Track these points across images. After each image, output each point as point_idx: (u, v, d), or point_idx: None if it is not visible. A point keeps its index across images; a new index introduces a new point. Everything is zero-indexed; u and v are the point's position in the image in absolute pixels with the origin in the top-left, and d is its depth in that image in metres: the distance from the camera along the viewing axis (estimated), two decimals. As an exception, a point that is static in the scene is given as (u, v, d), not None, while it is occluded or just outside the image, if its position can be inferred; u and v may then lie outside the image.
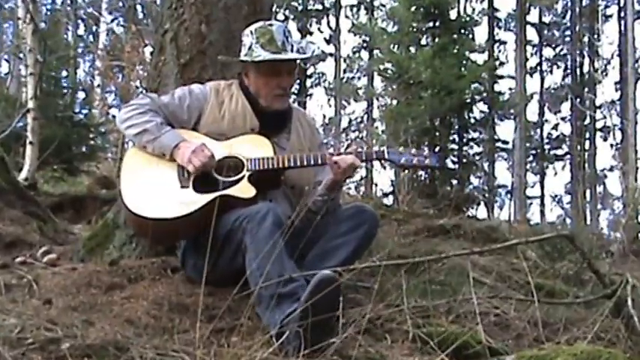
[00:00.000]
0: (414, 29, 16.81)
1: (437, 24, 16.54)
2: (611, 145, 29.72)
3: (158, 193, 3.45)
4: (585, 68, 30.75)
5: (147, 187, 3.48)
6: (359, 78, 32.21)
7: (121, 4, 26.65)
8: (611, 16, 30.02)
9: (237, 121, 3.69)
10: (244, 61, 3.72)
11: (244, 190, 3.44)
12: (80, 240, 4.64)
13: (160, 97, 3.75)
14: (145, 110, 3.63)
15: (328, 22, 30.70)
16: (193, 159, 3.46)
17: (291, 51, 3.70)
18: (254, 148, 3.59)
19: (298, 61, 3.86)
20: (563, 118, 31.75)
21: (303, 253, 3.35)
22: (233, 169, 3.52)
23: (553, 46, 32.59)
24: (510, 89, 26.15)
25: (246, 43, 3.72)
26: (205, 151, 3.49)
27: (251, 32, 3.71)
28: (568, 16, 31.98)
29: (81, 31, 29.31)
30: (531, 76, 31.58)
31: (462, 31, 16.91)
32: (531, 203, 29.50)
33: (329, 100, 31.28)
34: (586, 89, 29.29)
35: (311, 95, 31.05)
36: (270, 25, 3.71)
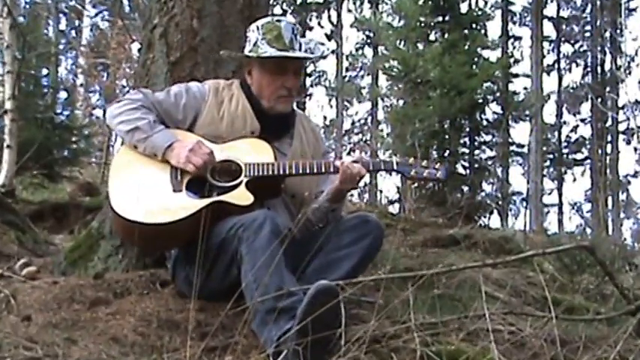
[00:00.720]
0: (422, 24, 16.84)
1: (446, 18, 16.58)
2: (635, 149, 29.72)
3: (148, 196, 3.44)
4: (607, 66, 30.84)
5: (136, 189, 3.47)
6: (362, 77, 32.30)
7: (106, -4, 26.70)
8: (635, 9, 30.05)
9: (236, 123, 3.70)
10: (249, 57, 3.73)
11: (241, 197, 3.44)
12: (62, 251, 4.65)
13: (155, 94, 3.75)
14: (138, 106, 3.63)
15: (329, 17, 30.76)
16: (192, 157, 3.46)
17: (300, 50, 3.72)
18: (253, 153, 3.60)
19: (306, 61, 3.89)
20: (582, 120, 31.81)
21: (303, 266, 3.35)
22: (230, 174, 3.52)
23: (572, 42, 32.65)
24: (526, 89, 26.18)
25: (251, 38, 3.73)
26: (204, 148, 3.50)
27: (257, 28, 3.72)
28: (588, 10, 32.06)
29: (63, 25, 29.34)
30: (548, 74, 31.66)
31: (474, 26, 16.95)
32: (548, 212, 29.55)
33: (330, 100, 31.37)
34: (607, 88, 29.34)
35: (311, 95, 31.13)
36: (279, 21, 3.73)
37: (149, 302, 3.54)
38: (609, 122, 29.83)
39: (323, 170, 3.57)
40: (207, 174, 3.49)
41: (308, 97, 30.22)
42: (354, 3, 31.00)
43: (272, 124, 3.74)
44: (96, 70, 24.13)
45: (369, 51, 31.22)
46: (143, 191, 3.46)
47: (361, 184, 4.08)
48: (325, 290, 2.90)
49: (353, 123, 31.30)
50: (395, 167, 3.65)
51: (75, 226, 6.38)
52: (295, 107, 3.97)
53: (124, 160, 3.62)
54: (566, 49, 32.64)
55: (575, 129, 31.69)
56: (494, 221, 15.86)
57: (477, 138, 16.44)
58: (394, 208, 14.86)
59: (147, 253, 4.06)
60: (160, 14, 4.42)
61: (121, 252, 4.13)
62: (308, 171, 3.56)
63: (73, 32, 30.23)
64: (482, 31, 17.79)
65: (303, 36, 3.77)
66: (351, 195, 11.99)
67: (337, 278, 3.24)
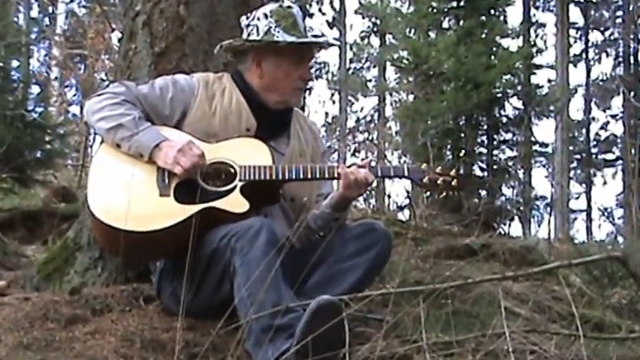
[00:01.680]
0: (435, 10, 16.87)
1: (461, 4, 16.59)
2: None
3: (132, 200, 3.42)
4: (640, 56, 30.81)
5: (119, 192, 3.46)
6: (368, 69, 32.35)
7: (82, -20, 26.75)
8: (671, -8, 30.03)
9: (230, 119, 3.70)
10: (271, 43, 3.70)
11: (235, 203, 3.44)
12: (34, 264, 4.65)
13: (138, 87, 3.75)
14: (120, 101, 3.62)
15: (331, 2, 30.78)
16: (181, 159, 3.45)
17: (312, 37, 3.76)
18: (249, 154, 3.60)
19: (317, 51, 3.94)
20: (613, 116, 31.84)
21: (302, 280, 3.35)
22: (223, 177, 3.53)
23: (601, 29, 32.66)
24: (550, 81, 26.19)
25: (259, 26, 3.72)
26: (194, 149, 3.49)
27: (265, 15, 3.73)
28: (619, -6, 32.05)
29: (35, 12, 29.36)
30: (575, 65, 31.66)
31: (492, 11, 16.96)
32: (575, 218, 29.58)
33: (332, 95, 31.42)
34: (641, 81, 29.33)
35: (310, 90, 31.09)
36: (289, 7, 3.76)
37: (132, 320, 3.55)
38: (643, 118, 29.81)
39: (327, 176, 3.59)
40: (197, 177, 3.49)
41: (308, 92, 30.21)
42: (359, -14, 31.07)
43: (269, 120, 3.75)
44: (72, 62, 24.15)
45: (375, 40, 31.30)
46: (126, 195, 3.43)
47: (368, 191, 4.09)
48: (327, 306, 2.91)
49: (358, 120, 31.35)
50: (406, 174, 3.68)
51: (49, 235, 6.38)
52: None
53: (105, 161, 3.61)
54: (595, 36, 32.72)
55: (605, 126, 31.75)
56: (516, 229, 15.89)
57: (495, 136, 16.44)
58: (404, 215, 14.82)
59: (130, 265, 4.06)
60: (143, 0, 4.43)
61: (100, 264, 4.14)
62: (310, 176, 3.57)
63: (47, 20, 30.27)
64: (502, 18, 17.82)
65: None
66: (356, 200, 12.01)
67: (341, 293, 3.25)
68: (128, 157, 3.57)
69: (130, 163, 3.56)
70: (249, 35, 3.75)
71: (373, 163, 3.65)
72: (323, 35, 3.83)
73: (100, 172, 3.59)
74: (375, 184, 3.64)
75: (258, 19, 3.74)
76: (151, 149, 3.51)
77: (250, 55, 3.80)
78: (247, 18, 3.80)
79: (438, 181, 3.67)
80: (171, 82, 3.75)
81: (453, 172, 3.73)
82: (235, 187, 3.49)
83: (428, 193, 12.03)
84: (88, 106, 3.69)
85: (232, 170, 3.54)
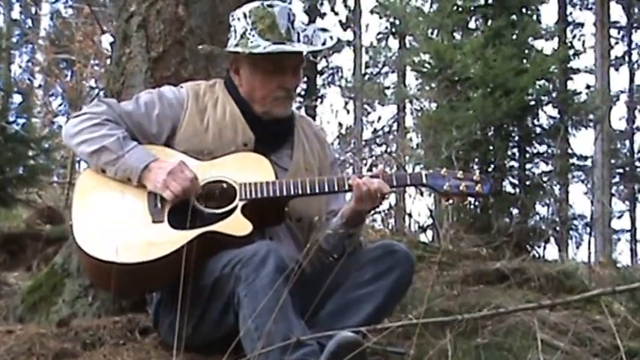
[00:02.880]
0: (460, 9, 16.86)
1: (490, 1, 16.59)
2: None
3: (122, 229, 3.44)
4: (690, 59, 30.77)
5: (107, 221, 3.47)
6: (386, 74, 32.34)
7: (69, -23, 26.86)
8: None
9: (225, 133, 3.71)
10: (236, 54, 3.74)
11: (237, 225, 3.44)
12: (18, 293, 4.66)
13: (121, 104, 3.76)
14: (102, 121, 3.63)
15: (345, 1, 30.84)
16: (171, 183, 3.46)
17: (298, 41, 3.73)
18: (248, 170, 3.61)
19: (306, 55, 3.88)
20: (660, 125, 31.72)
21: (314, 309, 3.32)
22: (221, 197, 3.53)
23: (646, 29, 32.61)
24: (589, 87, 26.14)
25: (237, 28, 3.73)
26: (186, 171, 3.50)
27: (244, 15, 3.72)
28: (665, -11, 32.01)
29: (16, 14, 29.52)
30: (617, 69, 31.60)
31: (524, 10, 16.94)
32: (618, 239, 29.45)
33: (347, 103, 31.38)
34: (691, 86, 29.27)
35: (323, 97, 31.18)
36: (270, 5, 3.73)
37: (126, 355, 3.56)
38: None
39: (336, 188, 3.58)
40: (192, 199, 3.49)
41: (319, 100, 30.26)
42: (375, -17, 31.11)
43: (268, 132, 3.77)
44: (57, 69, 24.20)
45: (394, 42, 31.30)
46: (116, 223, 3.45)
47: (384, 204, 4.07)
48: (348, 346, 2.91)
49: (375, 131, 31.31)
50: (424, 181, 3.65)
51: (33, 261, 6.38)
52: (294, 109, 3.97)
53: (90, 185, 3.63)
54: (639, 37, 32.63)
55: (651, 137, 31.62)
56: (551, 252, 15.79)
57: (528, 149, 16.40)
58: (427, 236, 14.80)
59: (123, 296, 4.06)
60: (137, 0, 4.45)
61: (91, 293, 4.14)
62: (317, 190, 3.57)
63: (29, 22, 30.42)
64: (535, 17, 17.80)
65: (312, 21, 3.78)
66: (373, 220, 12.00)
67: (357, 323, 3.26)
68: (115, 182, 3.58)
69: (118, 188, 3.57)
70: (229, 38, 3.77)
71: (388, 172, 3.64)
72: (309, 38, 3.80)
73: (86, 198, 3.60)
74: (392, 199, 3.61)
75: (238, 19, 3.75)
76: (139, 172, 3.53)
77: (229, 61, 3.83)
78: (232, 17, 3.81)
79: (461, 187, 3.65)
80: (157, 97, 3.76)
81: (476, 176, 3.71)
82: (236, 207, 3.49)
83: (451, 203, 11.99)
84: (66, 130, 3.71)
85: (231, 189, 3.54)
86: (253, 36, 3.66)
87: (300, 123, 3.96)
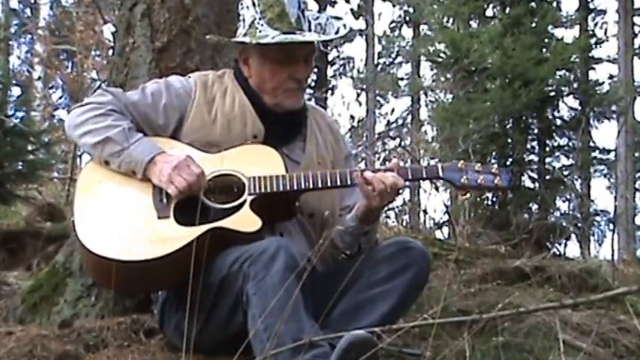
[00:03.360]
0: (477, -4, 16.86)
1: (508, -12, 16.58)
2: None
3: (127, 225, 3.44)
4: None
5: (111, 217, 3.47)
6: (400, 65, 32.32)
7: (69, -36, 26.84)
8: None
9: (233, 125, 3.71)
10: (244, 44, 3.73)
11: (245, 220, 3.43)
12: (18, 293, 4.66)
13: (126, 94, 3.76)
14: (106, 111, 3.63)
15: (356, -13, 30.81)
16: (176, 178, 3.45)
17: (309, 30, 3.72)
18: (258, 164, 3.60)
19: (317, 45, 3.87)
20: (687, 117, 31.59)
21: (327, 309, 3.32)
22: (229, 192, 3.53)
23: (671, 16, 32.47)
24: (611, 77, 26.07)
25: (245, 17, 3.73)
26: (192, 166, 3.50)
27: (253, 3, 3.70)
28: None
29: (14, 3, 29.57)
30: (641, 58, 31.49)
31: (544, -3, 16.93)
32: (643, 236, 29.33)
33: (359, 95, 31.35)
34: None
35: (333, 89, 31.14)
36: None
37: (131, 357, 3.56)
38: None
39: (348, 182, 3.56)
40: (200, 194, 3.49)
41: (330, 92, 30.22)
42: (388, -31, 31.06)
43: (279, 124, 3.76)
44: (57, 60, 24.26)
45: (407, 31, 31.27)
46: (120, 219, 3.45)
47: (398, 199, 4.05)
48: (360, 343, 2.90)
49: (388, 124, 31.25)
50: (440, 174, 3.64)
51: (33, 259, 6.39)
52: (306, 100, 3.96)
53: (93, 180, 3.62)
54: (664, 25, 32.48)
55: (677, 129, 31.49)
56: (573, 249, 15.81)
57: (548, 142, 16.41)
58: (443, 233, 14.78)
59: (128, 295, 4.06)
60: (141, -13, 4.45)
61: (94, 293, 4.15)
62: (329, 184, 3.56)
63: (28, 11, 30.48)
64: (555, 4, 17.79)
65: (323, 9, 3.76)
66: (387, 217, 11.99)
67: (371, 323, 3.25)
68: (119, 175, 3.58)
69: (122, 182, 3.57)
70: (238, 27, 3.77)
71: (402, 165, 3.63)
72: (322, 26, 3.79)
73: (88, 193, 3.59)
74: (406, 195, 3.59)
75: (247, 7, 3.74)
76: (144, 165, 3.52)
77: (238, 51, 3.83)
78: (241, 5, 3.81)
79: (479, 180, 3.62)
80: (165, 87, 3.76)
81: (494, 168, 3.69)
82: (244, 202, 3.49)
83: (467, 197, 11.98)
84: (69, 120, 3.71)
85: (240, 183, 3.54)
86: (262, 25, 3.65)
87: (313, 115, 3.95)
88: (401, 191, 3.61)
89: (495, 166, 3.69)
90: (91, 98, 3.75)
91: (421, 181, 3.91)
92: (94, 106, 3.65)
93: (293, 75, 3.70)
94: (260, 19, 3.66)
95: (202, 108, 3.72)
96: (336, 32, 3.85)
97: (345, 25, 3.84)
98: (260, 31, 3.64)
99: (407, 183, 3.62)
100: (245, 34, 3.70)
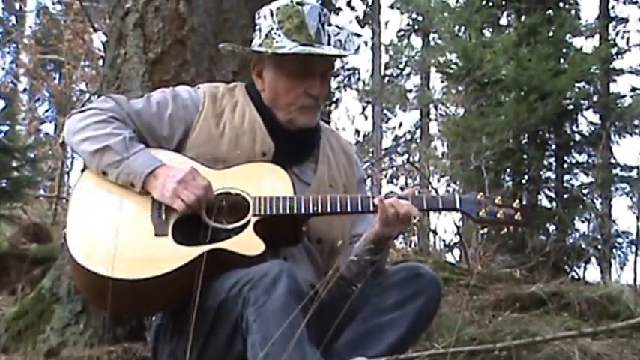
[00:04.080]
0: (490, 3, 16.88)
1: (523, -5, 16.61)
2: None
3: (121, 241, 3.39)
4: None
5: (106, 232, 3.44)
6: (408, 76, 32.31)
7: (57, -30, 26.92)
8: None
9: (241, 141, 3.70)
10: (259, 54, 3.74)
11: (248, 243, 3.42)
12: (2, 320, 4.67)
13: (130, 102, 3.76)
14: (108, 118, 3.63)
15: (362, -6, 30.86)
16: (182, 192, 3.43)
17: (328, 44, 3.73)
18: (265, 183, 3.60)
19: (335, 61, 3.88)
20: None
21: (331, 338, 3.30)
22: (232, 212, 3.51)
23: (697, 24, 32.53)
24: (634, 90, 26.06)
25: (262, 27, 3.73)
26: (198, 179, 3.48)
27: (271, 13, 3.71)
28: None
29: (-2, 10, 29.63)
30: (665, 69, 31.50)
31: (561, 4, 16.96)
32: (668, 259, 29.24)
33: (364, 108, 31.35)
34: None
35: (337, 102, 31.08)
36: (300, 4, 3.71)
37: (122, 388, 3.56)
38: None
39: (360, 209, 3.55)
40: (202, 212, 3.48)
41: (334, 105, 30.22)
42: (396, -26, 31.07)
43: (290, 142, 3.75)
44: (44, 71, 24.30)
45: (416, 41, 31.27)
46: (115, 235, 3.39)
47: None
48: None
49: (396, 139, 31.27)
50: (458, 206, 3.62)
51: (18, 284, 6.39)
52: (320, 121, 3.95)
53: (89, 191, 3.61)
54: (690, 34, 32.51)
55: (703, 144, 31.49)
56: (593, 273, 15.77)
57: (566, 158, 16.40)
58: (454, 256, 14.78)
59: (119, 320, 4.06)
60: (134, -5, 4.47)
61: (82, 320, 4.15)
62: (340, 209, 3.54)
63: (13, 19, 30.53)
64: (573, 12, 17.81)
65: (330, 24, 3.76)
66: (394, 238, 11.99)
67: (379, 353, 3.26)
68: (117, 188, 3.56)
69: (120, 195, 3.54)
70: (251, 41, 3.77)
71: (417, 193, 3.60)
72: (342, 42, 3.79)
73: (83, 205, 3.58)
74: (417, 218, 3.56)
75: (264, 17, 3.74)
76: (144, 177, 3.50)
77: (252, 63, 3.83)
78: (258, 15, 3.80)
79: (498, 215, 3.61)
80: (171, 96, 3.76)
81: (516, 204, 3.66)
82: (248, 223, 3.46)
83: (483, 232, 11.97)
84: (69, 125, 3.69)
85: (244, 203, 3.52)
86: (279, 36, 3.66)
87: (327, 136, 3.96)
88: (414, 220, 3.60)
89: (517, 201, 3.67)
90: (93, 104, 3.74)
91: (437, 212, 3.90)
92: (95, 111, 3.65)
93: (309, 90, 3.70)
94: (277, 29, 3.67)
95: (210, 121, 3.72)
96: (357, 50, 3.87)
97: (366, 43, 3.86)
98: (277, 42, 3.65)
99: (421, 214, 3.62)
100: (260, 45, 3.70)
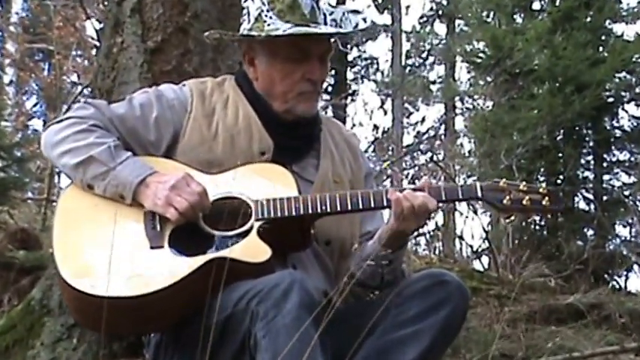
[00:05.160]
0: (521, -14, 16.86)
1: (558, -24, 16.59)
2: None
3: (114, 257, 3.37)
4: None
5: (96, 248, 3.44)
6: (431, 66, 32.28)
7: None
8: None
9: (237, 141, 3.71)
10: (250, 38, 3.73)
11: (253, 250, 3.42)
12: (-13, 334, 4.69)
13: (111, 107, 3.75)
14: (89, 127, 3.62)
15: (380, -23, 30.84)
16: (174, 199, 3.43)
17: (325, 23, 3.72)
18: (266, 184, 3.59)
19: (335, 42, 3.87)
20: None
21: (348, 353, 3.31)
22: (233, 218, 3.49)
23: None
24: (680, 81, 26.01)
25: (251, 10, 3.74)
26: (192, 185, 3.48)
27: None
28: None
29: (-19, -4, 29.66)
30: None
31: (600, -12, 16.93)
32: None
33: (383, 102, 31.31)
34: None
35: (354, 94, 31.09)
36: None
37: (119, 409, 3.57)
38: None
39: (372, 204, 3.55)
40: (199, 219, 3.48)
41: (350, 98, 30.19)
42: (418, -45, 31.08)
43: (289, 137, 3.76)
44: (32, 61, 24.33)
45: (440, 27, 31.24)
46: (106, 250, 3.38)
47: (430, 223, 4.04)
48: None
49: (418, 135, 31.22)
50: (479, 194, 3.63)
51: (4, 295, 6.42)
52: (320, 111, 3.95)
53: (74, 206, 3.62)
54: None
55: None
56: (636, 282, 15.70)
57: (606, 156, 16.35)
58: (482, 263, 14.76)
59: (116, 337, 4.06)
60: (131, -21, 4.47)
61: (75, 334, 4.15)
62: (350, 206, 3.54)
63: (-1, 5, 30.59)
64: (613, -4, 17.78)
65: (342, 3, 3.74)
66: (416, 244, 12.00)
67: (400, 370, 3.25)
68: (106, 200, 3.55)
69: (109, 208, 3.54)
70: (242, 22, 3.77)
71: (434, 184, 3.60)
72: (337, 21, 3.77)
73: (69, 221, 3.58)
74: (439, 218, 3.56)
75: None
76: (134, 187, 3.51)
77: (242, 51, 3.83)
78: None
79: (524, 202, 3.60)
80: (155, 97, 3.75)
81: (542, 189, 3.67)
82: (251, 228, 3.47)
83: (514, 237, 11.96)
84: (45, 138, 3.70)
85: (245, 207, 3.52)
86: (270, 18, 3.65)
87: (327, 127, 3.95)
88: (433, 214, 3.59)
89: (543, 185, 3.65)
90: (70, 112, 3.73)
91: (457, 203, 3.88)
92: (74, 121, 3.64)
93: (307, 75, 3.70)
94: (268, 10, 3.66)
95: (201, 122, 3.72)
96: (355, 26, 3.84)
97: (365, 19, 3.83)
98: (268, 25, 3.64)
99: (440, 205, 3.60)
100: (250, 29, 3.70)
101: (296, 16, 3.64)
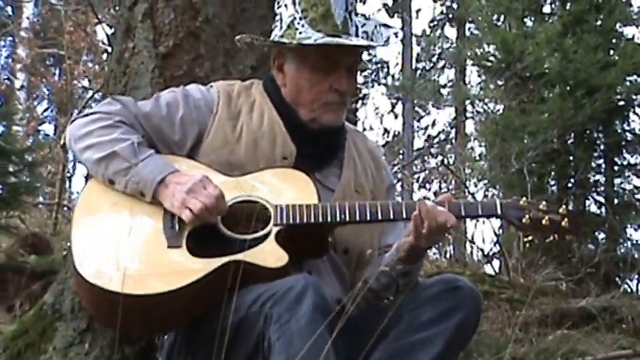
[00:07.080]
0: (531, -10, 16.84)
1: (568, -20, 16.57)
2: None
3: (131, 254, 3.41)
4: None
5: (114, 245, 3.43)
6: (442, 70, 32.25)
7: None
8: None
9: (260, 145, 3.69)
10: (282, 44, 3.72)
11: (269, 254, 3.40)
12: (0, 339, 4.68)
13: (138, 104, 3.75)
14: (114, 123, 3.62)
15: (391, -19, 30.84)
16: (190, 201, 3.42)
17: (356, 35, 3.72)
18: (286, 190, 3.58)
19: (362, 53, 3.87)
20: None
21: (360, 357, 3.30)
22: (252, 221, 3.47)
23: None
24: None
25: (284, 17, 3.72)
26: (209, 187, 3.46)
27: (293, 1, 3.70)
28: None
29: (-7, 0, 29.70)
30: None
31: (610, -10, 16.90)
32: None
33: (394, 105, 31.32)
34: None
35: (365, 98, 31.08)
36: None
37: (132, 413, 3.56)
38: None
39: (392, 216, 3.54)
40: (218, 222, 3.47)
41: (360, 102, 30.19)
42: (428, -42, 31.04)
43: (313, 145, 3.74)
44: (43, 66, 24.36)
45: (451, 31, 31.22)
46: (124, 247, 3.40)
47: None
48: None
49: (428, 139, 31.21)
50: (499, 212, 3.60)
51: (16, 299, 6.42)
52: (345, 121, 3.93)
53: (95, 202, 3.61)
54: None
55: None
56: (647, 286, 15.68)
57: (617, 159, 16.33)
58: (493, 267, 14.74)
59: (128, 339, 4.06)
60: (143, -16, 4.48)
61: (87, 339, 4.15)
62: (370, 217, 3.52)
63: (9, 10, 30.61)
64: (624, -1, 17.75)
65: (357, 14, 3.74)
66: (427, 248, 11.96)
67: (413, 375, 3.25)
68: (125, 197, 3.55)
69: (128, 205, 3.54)
70: (271, 31, 3.76)
71: (455, 200, 3.57)
72: (369, 34, 3.77)
73: (89, 217, 3.57)
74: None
75: (285, 5, 3.73)
76: (154, 186, 3.50)
77: (272, 56, 3.82)
78: (278, 4, 3.78)
79: (543, 221, 3.57)
80: (182, 97, 3.74)
81: (562, 209, 3.62)
82: (269, 233, 3.45)
83: (525, 241, 11.93)
84: (71, 131, 3.69)
85: (265, 212, 3.50)
86: (303, 26, 3.64)
87: (352, 137, 3.93)
88: (451, 230, 3.58)
89: (563, 207, 3.63)
90: (97, 107, 3.74)
91: (476, 219, 3.87)
92: (100, 116, 3.64)
93: (335, 86, 3.68)
94: (301, 18, 3.65)
95: (225, 124, 3.71)
96: (386, 41, 3.85)
97: (396, 34, 3.84)
98: (300, 33, 3.64)
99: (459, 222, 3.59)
100: (282, 36, 3.69)
101: (328, 26, 3.63)
